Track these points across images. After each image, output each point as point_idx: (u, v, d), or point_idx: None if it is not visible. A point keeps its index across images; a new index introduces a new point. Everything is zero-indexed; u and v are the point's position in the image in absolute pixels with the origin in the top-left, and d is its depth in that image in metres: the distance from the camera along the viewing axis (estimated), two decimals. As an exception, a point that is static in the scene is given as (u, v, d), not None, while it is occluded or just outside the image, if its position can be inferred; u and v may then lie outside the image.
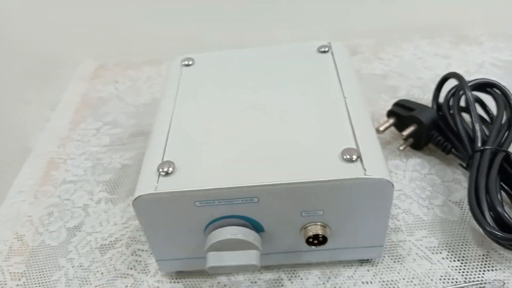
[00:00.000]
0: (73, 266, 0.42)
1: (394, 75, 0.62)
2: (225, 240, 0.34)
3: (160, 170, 0.34)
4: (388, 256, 0.40)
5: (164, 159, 0.35)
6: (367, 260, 0.40)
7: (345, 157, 0.33)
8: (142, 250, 0.43)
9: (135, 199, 0.33)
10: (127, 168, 0.52)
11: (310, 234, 0.35)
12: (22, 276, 0.42)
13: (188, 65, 0.46)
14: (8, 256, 0.44)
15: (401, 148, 0.49)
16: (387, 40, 0.69)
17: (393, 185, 0.33)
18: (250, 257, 0.34)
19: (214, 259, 0.34)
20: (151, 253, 0.42)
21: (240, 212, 0.34)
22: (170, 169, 0.34)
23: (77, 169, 0.53)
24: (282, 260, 0.39)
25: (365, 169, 0.32)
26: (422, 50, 0.66)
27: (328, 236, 0.35)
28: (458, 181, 0.46)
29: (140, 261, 0.42)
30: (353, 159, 0.33)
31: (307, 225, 0.35)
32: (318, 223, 0.35)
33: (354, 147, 0.34)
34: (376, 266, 0.39)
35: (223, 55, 0.47)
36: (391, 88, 0.60)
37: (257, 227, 0.35)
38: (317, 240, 0.35)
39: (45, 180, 0.52)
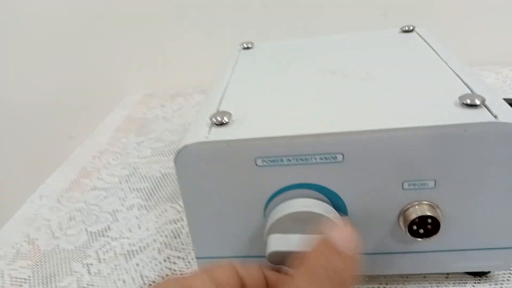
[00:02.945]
0: (89, 273, 0.33)
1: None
2: (298, 214, 0.24)
3: (214, 120, 0.26)
4: (518, 275, 0.28)
5: (219, 110, 0.28)
6: (486, 273, 0.28)
7: (465, 102, 0.24)
8: (179, 258, 0.33)
9: (179, 151, 0.25)
10: (167, 176, 0.44)
11: (414, 216, 0.25)
12: (24, 282, 0.33)
13: (247, 48, 0.40)
14: (13, 260, 0.35)
15: None
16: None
17: (540, 138, 0.23)
18: (329, 242, 0.24)
19: (278, 242, 0.24)
20: (190, 261, 0.33)
21: (317, 179, 0.25)
22: (226, 119, 0.26)
23: (110, 177, 0.46)
24: (369, 268, 0.28)
25: (495, 116, 0.23)
26: (505, 76, 0.58)
27: (441, 221, 0.25)
28: None
29: (175, 269, 0.32)
30: (477, 104, 0.24)
31: (410, 204, 0.25)
32: (425, 202, 0.25)
33: (474, 92, 0.25)
34: (502, 283, 0.28)
35: (289, 43, 0.41)
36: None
37: (338, 207, 0.26)
38: (424, 228, 0.25)
39: (72, 187, 0.45)
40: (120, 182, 0.44)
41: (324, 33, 0.41)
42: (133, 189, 0.43)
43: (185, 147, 0.25)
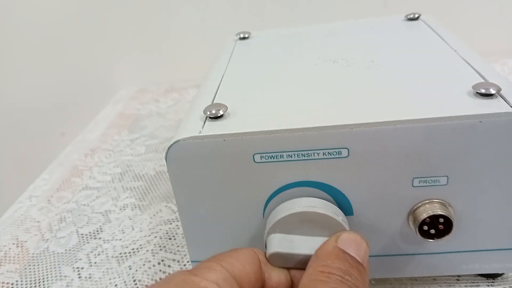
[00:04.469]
0: (79, 277, 0.31)
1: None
2: (303, 215, 0.23)
3: (208, 112, 0.24)
4: (535, 276, 0.27)
5: (214, 102, 0.26)
6: (499, 275, 0.27)
7: (479, 91, 0.23)
8: (174, 260, 0.31)
9: (170, 146, 0.23)
10: (162, 175, 0.42)
11: (425, 216, 0.23)
12: (12, 287, 0.31)
13: (244, 38, 0.38)
14: (1, 264, 0.34)
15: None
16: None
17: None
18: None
19: (281, 243, 0.23)
20: (186, 263, 0.31)
21: (320, 177, 0.23)
22: (221, 111, 0.24)
23: (103, 176, 0.44)
24: (376, 271, 0.26)
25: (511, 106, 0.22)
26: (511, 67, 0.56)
27: (454, 221, 0.23)
28: None
29: (169, 273, 0.30)
30: (492, 93, 0.22)
31: (421, 202, 0.23)
32: (436, 200, 0.23)
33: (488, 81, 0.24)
34: (519, 287, 0.26)
35: (288, 31, 0.39)
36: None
37: (342, 206, 0.24)
38: (436, 229, 0.23)
39: (63, 186, 0.43)
40: (113, 181, 0.43)
41: (322, 22, 0.39)
42: (126, 188, 0.41)
43: (177, 142, 0.23)
